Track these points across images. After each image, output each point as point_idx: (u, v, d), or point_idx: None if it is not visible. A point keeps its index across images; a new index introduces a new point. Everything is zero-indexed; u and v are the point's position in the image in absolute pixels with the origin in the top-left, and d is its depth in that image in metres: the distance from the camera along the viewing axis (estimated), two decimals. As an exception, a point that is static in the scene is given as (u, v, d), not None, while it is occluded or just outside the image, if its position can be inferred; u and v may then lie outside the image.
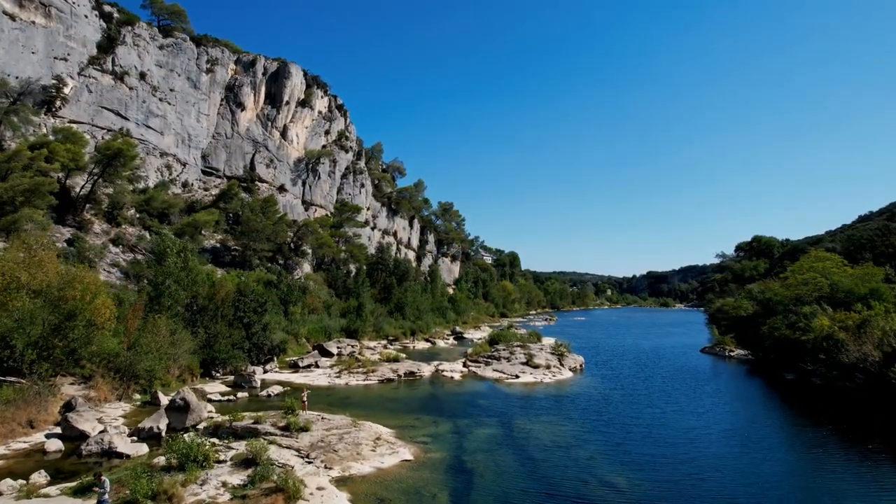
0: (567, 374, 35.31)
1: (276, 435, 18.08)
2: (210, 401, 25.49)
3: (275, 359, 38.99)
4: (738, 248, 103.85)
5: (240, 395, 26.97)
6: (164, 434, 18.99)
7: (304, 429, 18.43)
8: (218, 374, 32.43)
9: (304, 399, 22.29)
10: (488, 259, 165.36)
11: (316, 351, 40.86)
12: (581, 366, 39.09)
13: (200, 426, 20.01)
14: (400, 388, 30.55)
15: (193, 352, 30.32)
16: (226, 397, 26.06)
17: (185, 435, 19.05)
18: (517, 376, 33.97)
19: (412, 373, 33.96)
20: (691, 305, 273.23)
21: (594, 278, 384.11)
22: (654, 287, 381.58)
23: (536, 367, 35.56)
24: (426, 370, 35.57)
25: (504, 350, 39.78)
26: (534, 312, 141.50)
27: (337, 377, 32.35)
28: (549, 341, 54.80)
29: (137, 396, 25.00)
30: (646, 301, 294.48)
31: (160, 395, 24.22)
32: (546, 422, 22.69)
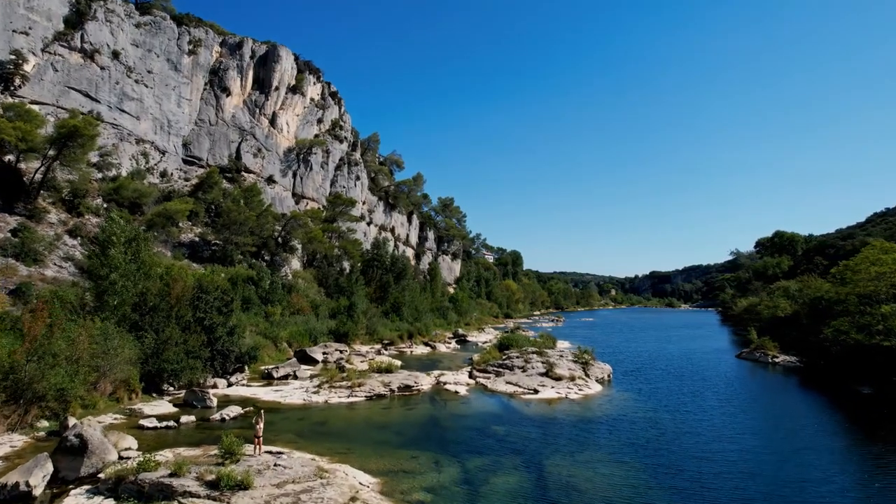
0: (595, 388, 29.22)
1: (200, 496, 12.03)
2: (142, 429, 19.40)
3: (246, 368, 32.94)
4: (759, 244, 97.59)
5: (185, 419, 20.90)
6: (38, 491, 12.93)
7: (243, 485, 12.37)
8: (172, 389, 26.39)
9: (259, 432, 16.24)
10: (490, 258, 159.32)
11: (294, 358, 34.79)
12: (609, 376, 33.02)
13: (103, 474, 13.95)
14: (392, 409, 24.47)
15: (136, 361, 24.32)
16: (164, 423, 19.96)
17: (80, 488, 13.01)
18: (536, 391, 27.90)
19: (408, 386, 27.85)
20: (697, 306, 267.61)
21: (595, 279, 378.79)
22: (658, 287, 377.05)
23: (558, 378, 29.48)
24: (425, 383, 29.49)
25: (518, 357, 33.67)
26: (538, 313, 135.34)
27: (315, 393, 26.26)
28: (563, 345, 48.86)
29: (45, 424, 18.95)
30: (650, 301, 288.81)
31: (73, 422, 18.17)
32: (587, 463, 16.65)
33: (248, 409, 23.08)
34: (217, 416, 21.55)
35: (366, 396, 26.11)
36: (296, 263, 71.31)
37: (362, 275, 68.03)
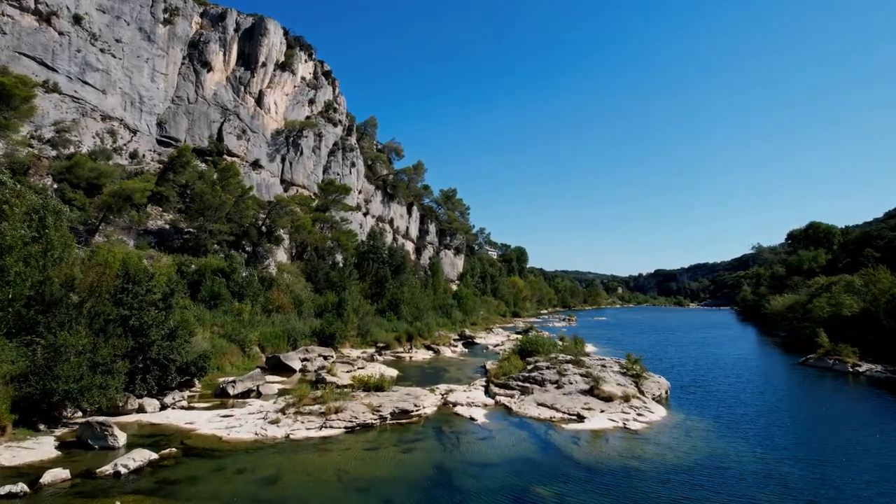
0: (658, 412, 21.58)
1: None
2: (-32, 498, 11.92)
3: (197, 382, 25.45)
4: (791, 236, 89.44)
5: (52, 476, 13.24)
6: None
7: None
8: (77, 417, 18.91)
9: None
10: (493, 254, 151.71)
11: (259, 369, 27.20)
12: (667, 393, 25.43)
13: None
14: (381, 449, 16.85)
15: (10, 380, 16.85)
16: (8, 487, 12.37)
17: None
18: (580, 417, 20.34)
19: (405, 411, 20.25)
20: (705, 304, 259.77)
21: (598, 277, 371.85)
22: (663, 286, 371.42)
23: (608, 398, 21.89)
24: (428, 403, 21.90)
25: (548, 368, 25.93)
26: (546, 312, 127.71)
27: (274, 422, 18.64)
28: (587, 349, 41.35)
29: None
30: (656, 300, 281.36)
31: None
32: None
33: (167, 451, 15.51)
34: (109, 467, 13.92)
35: (345, 427, 18.50)
36: (282, 255, 63.85)
37: (356, 268, 60.60)
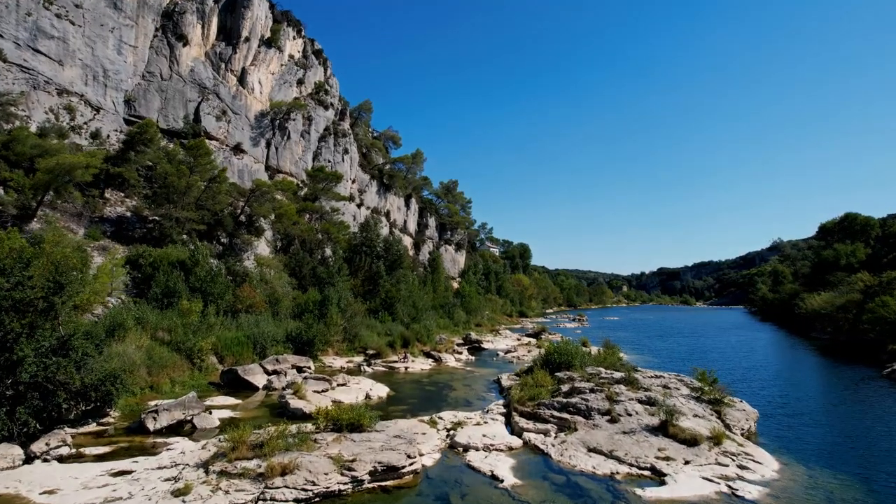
0: (767, 463, 14.55)
1: None
2: None
3: (111, 410, 18.50)
4: (823, 229, 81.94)
5: None
6: None
7: None
8: None
9: None
10: (495, 251, 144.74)
11: (194, 393, 20.11)
12: (755, 425, 18.48)
13: None
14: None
15: None
16: None
17: None
18: (656, 471, 13.40)
19: (392, 468, 13.27)
20: (712, 303, 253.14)
21: (599, 276, 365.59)
22: (666, 284, 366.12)
23: (690, 441, 14.94)
24: (427, 448, 14.93)
25: (592, 392, 18.53)
26: (552, 311, 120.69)
27: (181, 494, 11.65)
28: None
29: None
30: (662, 299, 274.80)
31: None
32: None
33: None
34: None
35: (294, 501, 11.55)
36: (264, 248, 56.86)
37: (347, 263, 53.68)
